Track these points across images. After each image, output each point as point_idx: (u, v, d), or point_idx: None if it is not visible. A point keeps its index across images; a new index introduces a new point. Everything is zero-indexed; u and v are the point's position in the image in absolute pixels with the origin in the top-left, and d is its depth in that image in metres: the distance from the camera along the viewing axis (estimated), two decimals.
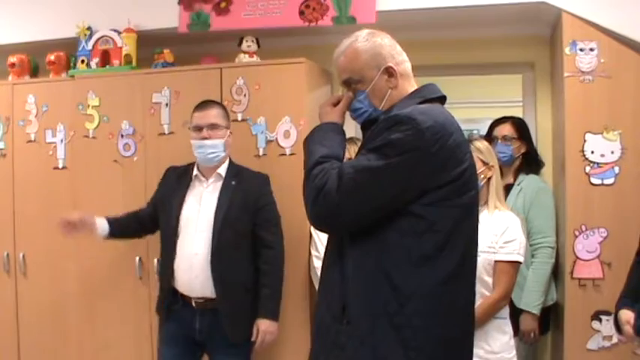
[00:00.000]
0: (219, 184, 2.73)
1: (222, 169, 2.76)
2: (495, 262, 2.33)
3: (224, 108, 2.85)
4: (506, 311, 2.40)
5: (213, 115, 2.73)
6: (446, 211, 1.58)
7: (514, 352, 2.39)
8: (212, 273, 2.63)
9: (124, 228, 2.86)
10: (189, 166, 2.82)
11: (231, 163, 2.81)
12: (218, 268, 2.63)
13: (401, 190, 1.57)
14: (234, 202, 2.69)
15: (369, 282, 1.58)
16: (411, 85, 1.76)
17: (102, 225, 2.78)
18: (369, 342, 1.57)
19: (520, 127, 3.15)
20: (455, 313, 1.63)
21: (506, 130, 3.12)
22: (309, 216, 1.66)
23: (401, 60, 1.75)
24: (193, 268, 2.64)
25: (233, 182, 2.73)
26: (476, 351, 1.78)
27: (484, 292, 2.29)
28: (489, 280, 2.33)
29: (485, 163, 2.39)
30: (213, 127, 2.70)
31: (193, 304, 2.66)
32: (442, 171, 1.57)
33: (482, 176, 2.36)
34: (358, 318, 1.59)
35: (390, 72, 1.71)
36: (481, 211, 2.16)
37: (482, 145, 2.45)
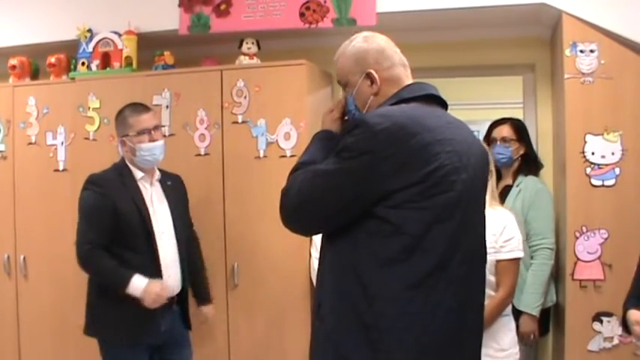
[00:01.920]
0: (159, 185, 2.77)
1: (157, 171, 2.78)
2: (497, 261, 2.34)
3: None
4: (509, 307, 2.41)
5: (154, 116, 2.76)
6: (412, 214, 1.51)
7: (518, 346, 2.42)
8: (181, 269, 2.74)
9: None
10: (118, 170, 2.70)
11: None
12: (183, 264, 2.76)
13: (359, 193, 1.53)
14: (179, 201, 2.83)
15: (340, 280, 1.58)
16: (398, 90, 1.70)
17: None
18: (335, 339, 1.57)
19: (519, 128, 3.15)
20: (434, 319, 1.55)
21: (504, 131, 3.12)
22: (280, 216, 1.68)
23: (388, 65, 1.69)
24: (169, 270, 2.68)
25: (169, 182, 2.80)
26: (485, 350, 1.77)
27: (489, 291, 2.28)
28: (493, 279, 2.34)
29: None
30: (157, 128, 2.72)
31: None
32: (402, 173, 1.50)
33: None
34: (328, 314, 1.60)
35: (371, 78, 1.68)
36: None
37: None
